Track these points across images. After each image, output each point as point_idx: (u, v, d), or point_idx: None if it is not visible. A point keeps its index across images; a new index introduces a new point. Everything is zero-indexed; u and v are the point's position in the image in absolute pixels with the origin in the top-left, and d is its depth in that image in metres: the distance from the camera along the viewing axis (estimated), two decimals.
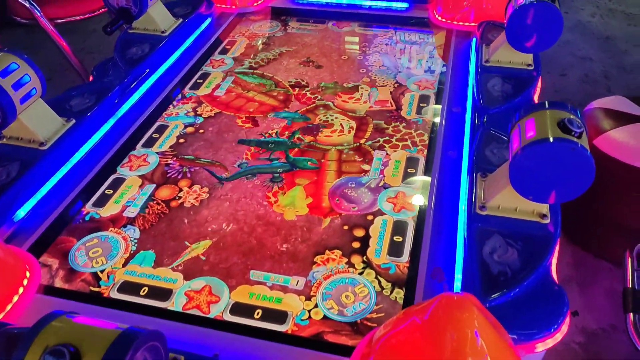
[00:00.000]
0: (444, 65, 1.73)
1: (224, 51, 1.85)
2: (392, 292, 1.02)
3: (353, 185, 1.26)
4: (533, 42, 1.45)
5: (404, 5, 2.07)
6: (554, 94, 2.92)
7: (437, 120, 1.48)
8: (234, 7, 2.08)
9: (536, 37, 1.44)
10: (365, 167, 1.32)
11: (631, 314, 1.39)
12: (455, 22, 1.92)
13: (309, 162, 1.35)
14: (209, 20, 1.99)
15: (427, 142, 1.40)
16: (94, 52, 3.28)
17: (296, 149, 1.40)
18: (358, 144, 1.42)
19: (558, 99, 2.93)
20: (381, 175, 1.28)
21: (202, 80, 1.69)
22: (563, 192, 0.97)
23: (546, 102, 1.02)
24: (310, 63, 1.78)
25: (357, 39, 1.93)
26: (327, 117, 1.52)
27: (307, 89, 1.64)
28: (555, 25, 1.42)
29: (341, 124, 1.49)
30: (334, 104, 1.58)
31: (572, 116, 0.98)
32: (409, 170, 1.31)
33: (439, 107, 1.53)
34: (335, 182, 1.27)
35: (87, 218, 1.21)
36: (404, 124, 1.48)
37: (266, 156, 1.38)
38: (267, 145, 1.42)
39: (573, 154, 0.92)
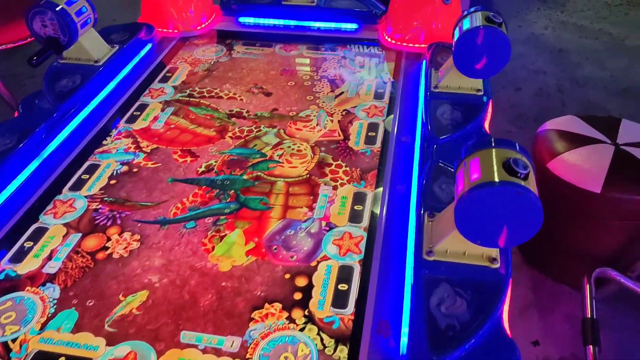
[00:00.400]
0: (393, 90, 1.67)
1: (165, 79, 1.75)
2: (335, 350, 0.94)
3: (292, 232, 1.17)
4: (481, 67, 1.41)
5: (354, 26, 2.02)
6: (510, 109, 2.92)
7: (386, 150, 1.42)
8: (176, 31, 1.99)
9: (484, 62, 1.40)
10: (303, 210, 1.24)
11: (591, 347, 1.35)
12: (405, 44, 1.88)
13: (260, 202, 1.27)
14: (149, 47, 1.89)
15: (374, 175, 1.33)
16: (36, 75, 3.12)
17: (248, 187, 1.31)
18: (307, 175, 1.35)
19: (514, 114, 2.93)
20: (320, 220, 1.20)
21: (139, 112, 1.59)
22: (512, 235, 0.91)
23: (492, 140, 0.97)
24: (258, 90, 1.70)
25: (305, 63, 1.86)
26: (297, 146, 1.44)
27: (254, 117, 1.56)
28: (503, 50, 1.38)
29: (311, 155, 1.42)
30: (285, 132, 1.50)
31: (518, 155, 0.92)
32: (356, 207, 1.24)
33: (388, 136, 1.47)
34: (272, 228, 1.18)
35: (1, 276, 1.09)
36: (352, 155, 1.41)
37: (213, 195, 1.29)
38: (216, 184, 1.32)
39: (519, 197, 0.86)
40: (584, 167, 1.60)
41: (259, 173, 1.35)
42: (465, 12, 1.47)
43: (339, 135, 1.49)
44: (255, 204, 1.26)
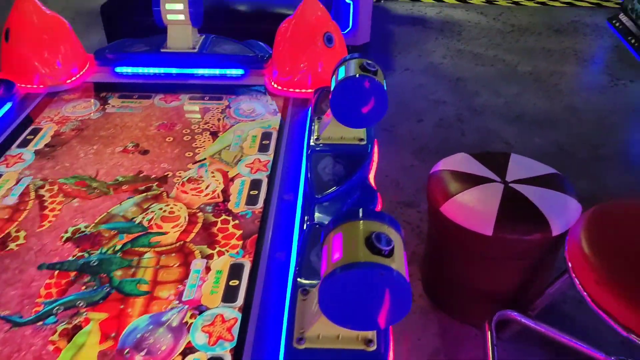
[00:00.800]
0: (279, 142, 1.58)
1: (25, 143, 1.57)
2: None
3: (151, 327, 1.03)
4: (359, 117, 1.35)
5: (240, 71, 1.93)
6: (412, 142, 2.94)
7: (268, 211, 1.31)
8: (42, 86, 1.81)
9: (361, 112, 1.34)
10: (170, 293, 1.11)
11: None
12: (291, 89, 1.80)
13: (137, 285, 1.11)
14: (8, 106, 1.70)
15: (254, 241, 1.22)
16: None
17: (120, 266, 1.16)
18: (182, 242, 1.22)
19: (417, 147, 2.95)
20: (190, 302, 1.08)
21: None
22: (384, 316, 0.83)
23: (360, 211, 0.89)
24: (133, 148, 1.55)
25: (186, 115, 1.74)
26: (170, 207, 1.31)
27: (121, 182, 1.41)
28: (380, 99, 1.33)
29: (185, 217, 1.29)
30: (168, 195, 1.36)
31: (385, 227, 0.85)
32: (231, 283, 1.12)
33: (271, 194, 1.37)
34: (131, 324, 1.04)
35: None
36: (231, 220, 1.29)
37: (76, 280, 1.12)
38: (82, 266, 1.16)
39: (383, 278, 0.78)
40: (475, 208, 1.58)
41: (137, 248, 1.21)
42: (341, 60, 1.42)
43: (219, 197, 1.37)
44: (132, 288, 1.11)
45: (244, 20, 2.89)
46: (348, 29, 3.69)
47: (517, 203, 1.58)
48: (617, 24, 4.55)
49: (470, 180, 1.67)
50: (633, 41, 4.23)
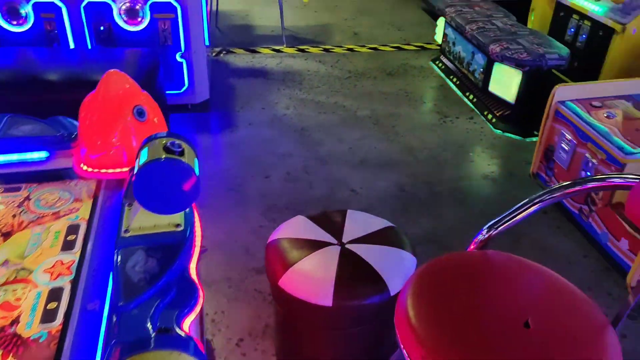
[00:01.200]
0: (87, 236, 1.38)
1: None
2: None
3: None
4: (168, 204, 1.22)
5: (43, 154, 1.69)
6: (260, 200, 2.86)
7: (67, 329, 1.10)
8: None
9: (170, 197, 1.21)
10: None
11: None
12: (104, 170, 1.61)
13: None
14: None
15: None
16: None
17: None
18: None
19: (265, 206, 2.87)
20: None
21: None
22: None
23: (152, 337, 0.74)
24: None
25: None
26: None
27: None
28: (189, 181, 1.21)
29: None
30: None
31: (174, 355, 0.71)
32: None
33: (72, 305, 1.16)
34: None
35: None
36: (19, 348, 1.06)
37: None
38: None
39: None
40: (314, 278, 1.51)
41: None
42: (144, 141, 1.28)
43: (5, 319, 1.13)
44: None
45: (51, 91, 2.60)
46: (184, 88, 3.57)
47: (354, 266, 1.54)
48: (440, 65, 4.99)
49: (307, 246, 1.60)
50: (455, 80, 4.65)
